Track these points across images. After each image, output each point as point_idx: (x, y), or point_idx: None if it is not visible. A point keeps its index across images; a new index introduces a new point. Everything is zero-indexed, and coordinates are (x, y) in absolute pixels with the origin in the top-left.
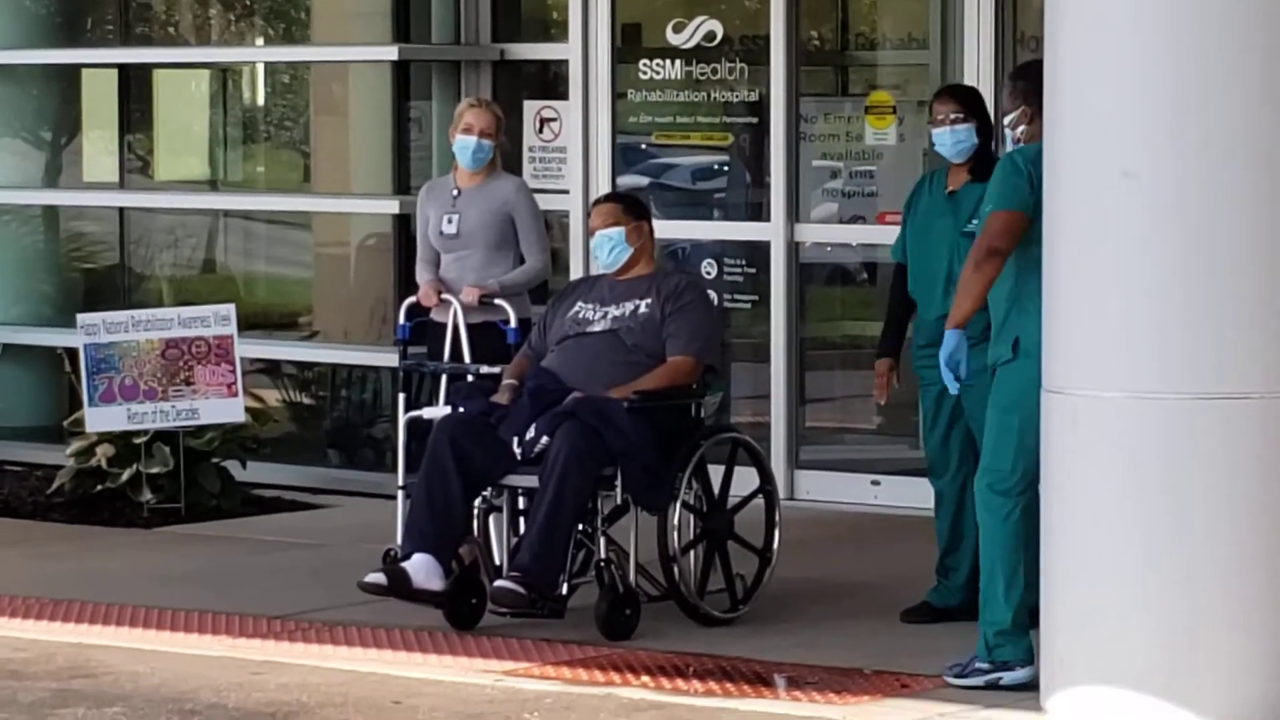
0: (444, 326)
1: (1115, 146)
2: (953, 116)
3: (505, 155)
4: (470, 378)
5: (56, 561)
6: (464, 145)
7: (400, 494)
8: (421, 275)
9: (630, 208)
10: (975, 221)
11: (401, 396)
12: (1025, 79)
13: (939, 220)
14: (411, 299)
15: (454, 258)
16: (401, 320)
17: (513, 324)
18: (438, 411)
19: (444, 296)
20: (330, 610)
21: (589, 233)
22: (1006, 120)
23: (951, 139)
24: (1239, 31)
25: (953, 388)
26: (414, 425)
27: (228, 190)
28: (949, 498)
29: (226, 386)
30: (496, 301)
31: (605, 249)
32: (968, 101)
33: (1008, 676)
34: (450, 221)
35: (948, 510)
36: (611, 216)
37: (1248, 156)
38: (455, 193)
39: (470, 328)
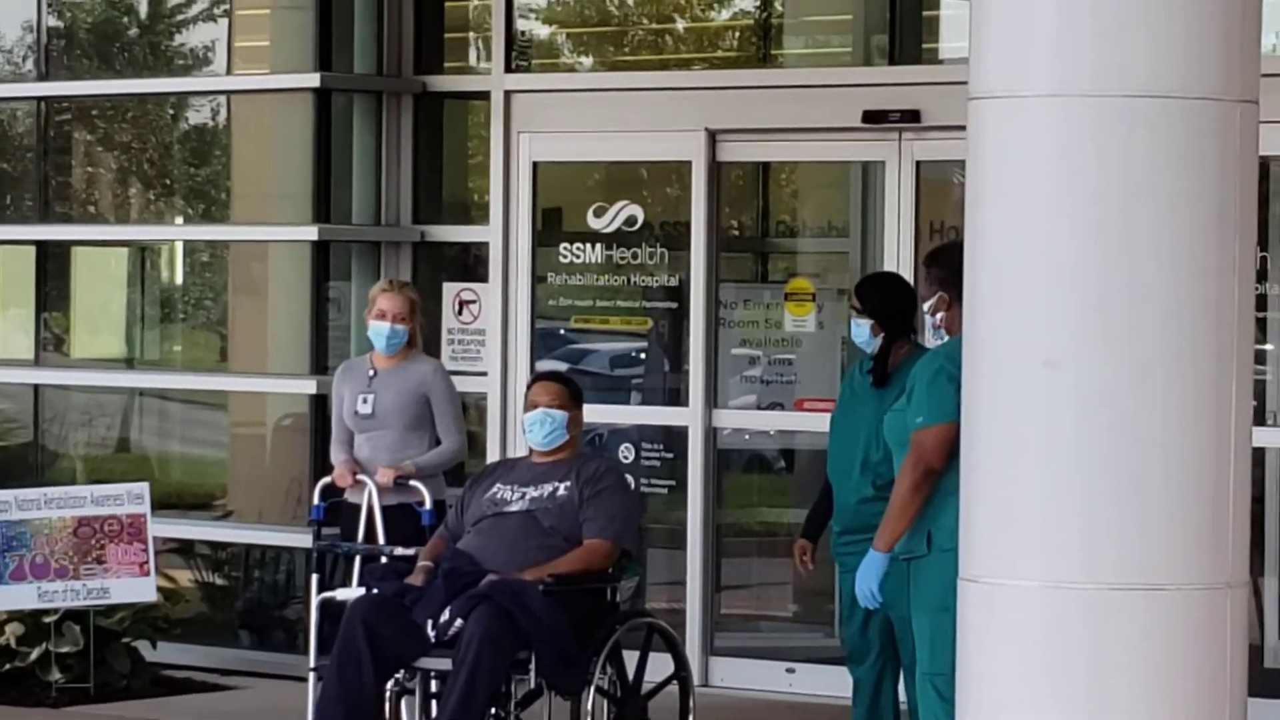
0: (358, 507)
1: (1040, 333)
2: (854, 308)
3: (424, 335)
4: (384, 559)
5: None
6: (378, 331)
7: (312, 676)
8: (336, 456)
9: (574, 395)
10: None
11: (315, 577)
12: (940, 265)
13: (862, 406)
14: (326, 479)
15: (367, 438)
16: (316, 500)
17: (428, 505)
18: (351, 593)
19: (359, 477)
20: None
21: (528, 405)
22: (925, 306)
23: (854, 330)
24: (1169, 218)
25: (870, 604)
26: (327, 606)
27: (144, 369)
28: (866, 685)
29: (139, 565)
30: (412, 483)
31: (545, 427)
32: (864, 297)
33: None
34: (365, 401)
35: (865, 698)
36: (558, 399)
37: (1179, 343)
38: (371, 373)
39: (385, 509)
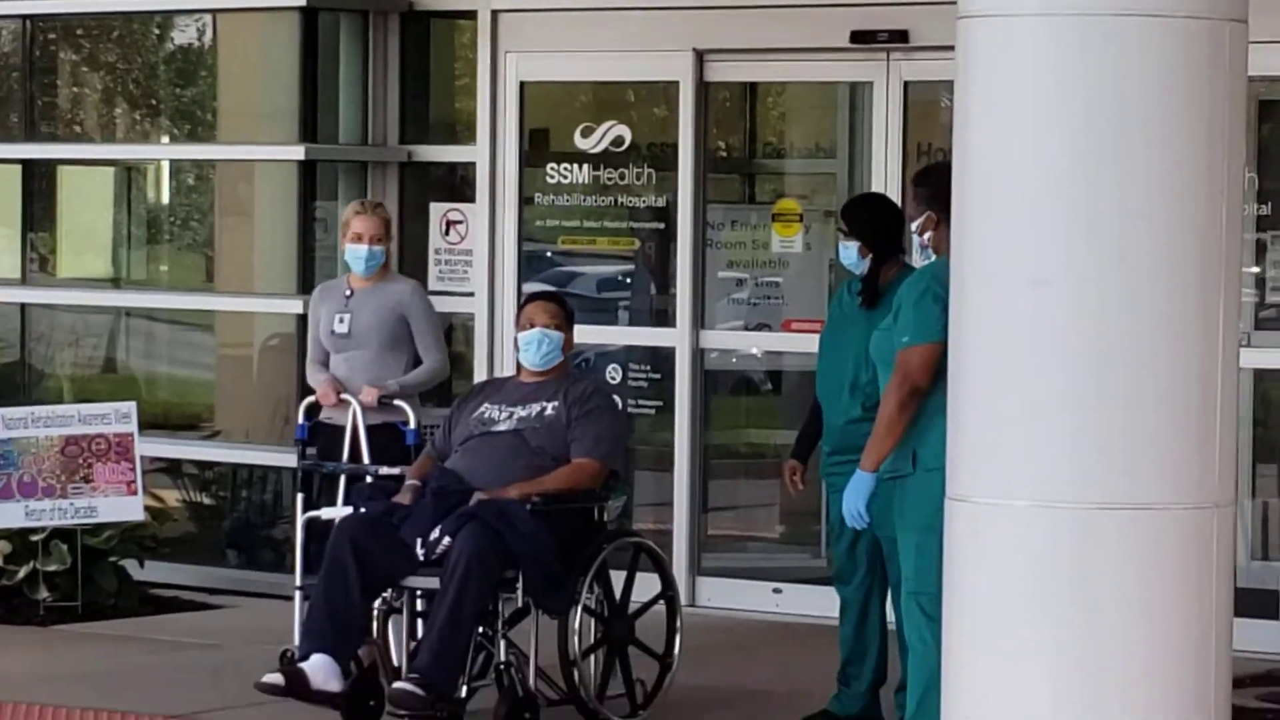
0: (340, 428)
1: (1029, 251)
2: (841, 230)
3: (406, 255)
4: (369, 479)
5: None
6: (356, 254)
7: (298, 594)
8: (315, 376)
9: (569, 316)
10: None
11: (300, 496)
12: (928, 184)
13: (851, 328)
14: (311, 399)
15: (344, 358)
16: (301, 420)
17: (412, 425)
18: (336, 512)
19: (343, 396)
20: (227, 711)
21: (524, 324)
22: (913, 226)
23: (842, 253)
24: (1158, 136)
25: (857, 524)
26: (312, 526)
27: (130, 288)
28: (854, 605)
29: (126, 485)
30: (396, 402)
31: (542, 348)
32: (851, 218)
33: None
34: (342, 321)
35: (852, 617)
36: (555, 318)
37: (1168, 262)
38: (348, 293)
39: (368, 429)
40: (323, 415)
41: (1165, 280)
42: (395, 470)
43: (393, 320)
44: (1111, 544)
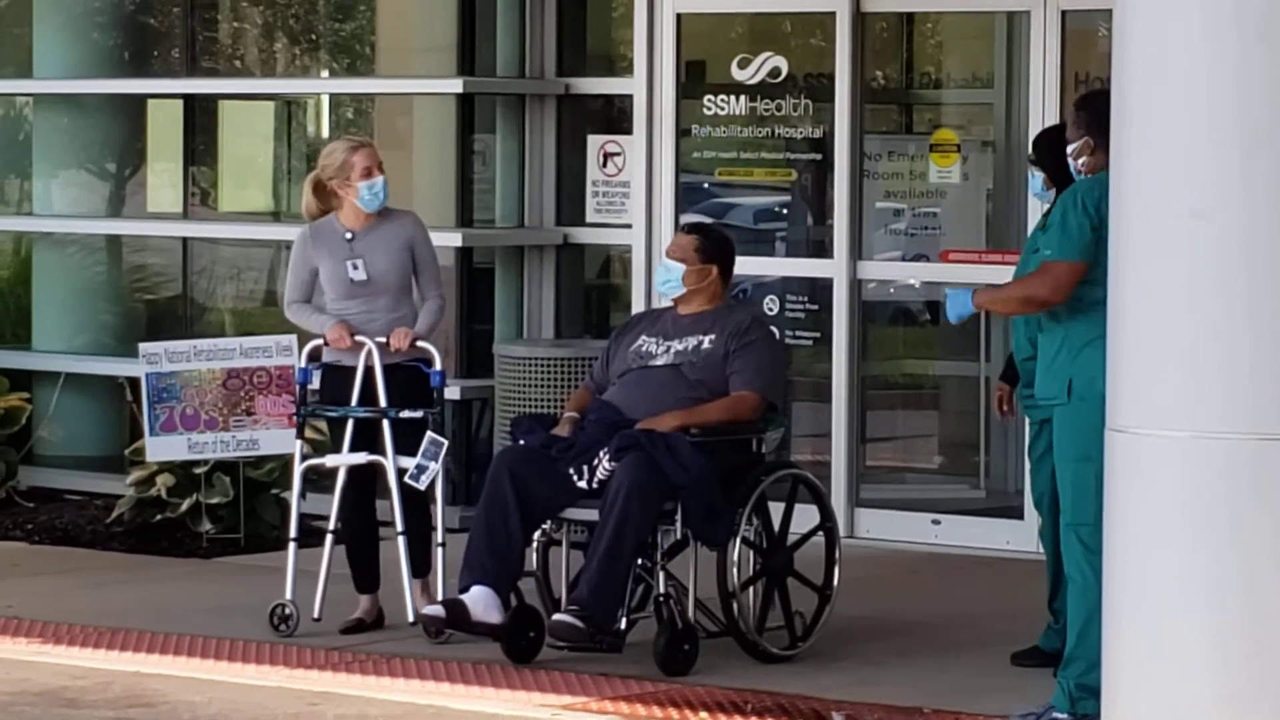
0: (347, 370)
1: (1184, 183)
2: (1030, 160)
3: (563, 187)
4: (387, 422)
5: (115, 590)
6: (373, 189)
7: (292, 546)
8: (315, 317)
9: (706, 249)
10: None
11: (299, 444)
12: (1088, 109)
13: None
14: (315, 342)
15: (361, 303)
16: (303, 363)
17: (437, 366)
18: (343, 459)
19: (357, 338)
20: (388, 642)
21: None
22: (1070, 150)
23: (1031, 183)
24: None
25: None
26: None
27: (290, 222)
28: (1050, 535)
29: (287, 417)
30: (420, 344)
31: (661, 277)
32: (1040, 148)
33: None
34: (356, 267)
35: (1049, 547)
36: (682, 251)
37: None
38: (349, 236)
39: (386, 368)
40: (327, 357)
41: None
42: (418, 414)
43: (405, 258)
44: (1269, 474)
